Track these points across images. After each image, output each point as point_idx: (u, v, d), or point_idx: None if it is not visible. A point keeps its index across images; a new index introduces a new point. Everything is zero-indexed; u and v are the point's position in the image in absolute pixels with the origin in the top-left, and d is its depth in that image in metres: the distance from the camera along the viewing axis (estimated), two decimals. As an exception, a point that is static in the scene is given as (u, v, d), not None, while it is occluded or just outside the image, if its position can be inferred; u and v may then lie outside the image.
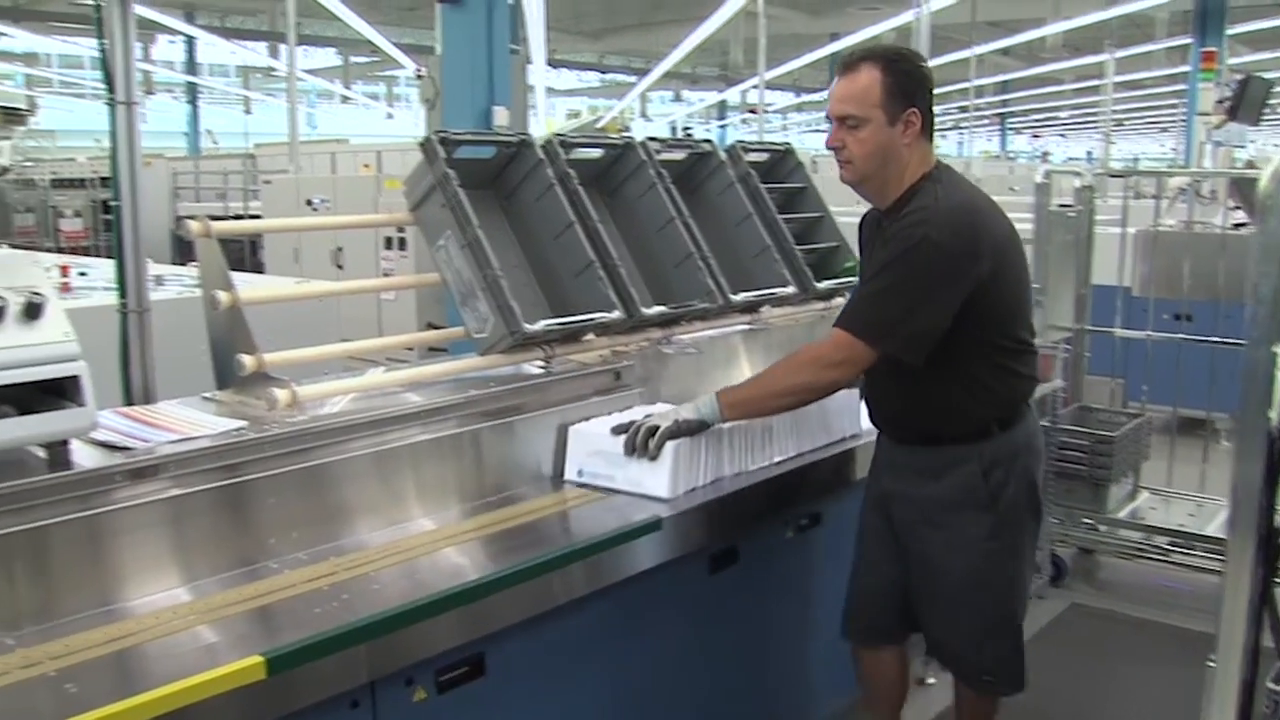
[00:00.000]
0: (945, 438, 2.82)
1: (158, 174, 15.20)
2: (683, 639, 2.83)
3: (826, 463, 3.17)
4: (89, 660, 1.85)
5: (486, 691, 2.27)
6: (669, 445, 2.69)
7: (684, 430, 2.72)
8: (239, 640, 1.94)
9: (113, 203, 2.92)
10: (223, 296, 2.57)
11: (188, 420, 2.45)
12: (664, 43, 21.24)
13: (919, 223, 2.63)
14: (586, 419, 2.93)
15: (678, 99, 38.78)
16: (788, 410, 2.93)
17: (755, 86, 18.58)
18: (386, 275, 7.97)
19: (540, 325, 2.83)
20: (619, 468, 2.75)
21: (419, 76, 7.54)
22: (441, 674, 2.17)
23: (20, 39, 24.65)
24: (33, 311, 2.08)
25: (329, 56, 30.19)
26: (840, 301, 3.76)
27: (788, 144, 4.22)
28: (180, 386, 2.94)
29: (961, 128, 36.77)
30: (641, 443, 2.70)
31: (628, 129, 25.45)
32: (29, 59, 31.17)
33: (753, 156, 3.89)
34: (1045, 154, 37.40)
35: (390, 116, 31.92)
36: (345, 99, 31.62)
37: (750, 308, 3.59)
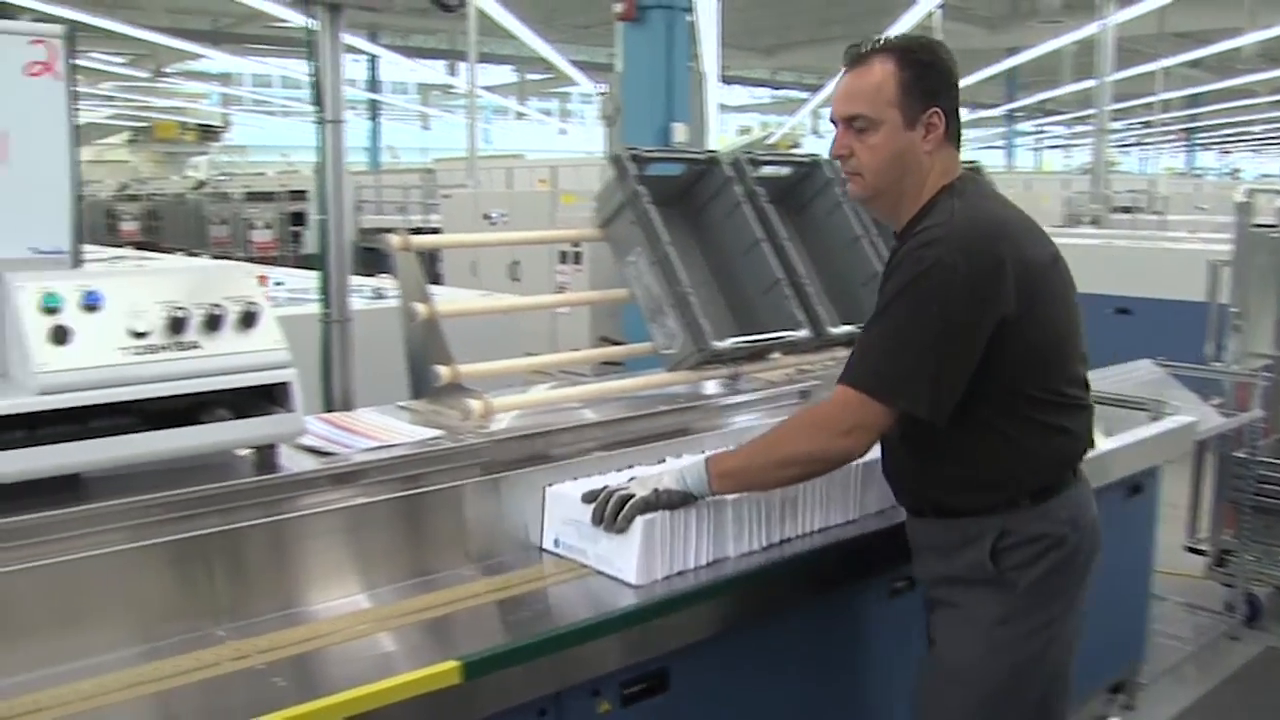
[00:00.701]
0: (960, 509, 2.30)
1: (342, 187, 15.73)
2: (865, 662, 2.79)
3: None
4: (291, 656, 1.92)
5: (669, 706, 2.27)
6: (639, 521, 2.22)
7: (663, 503, 2.25)
8: (436, 643, 2.00)
9: (317, 216, 3.04)
10: (420, 308, 2.65)
11: (386, 428, 2.53)
12: (837, 58, 21.02)
13: (928, 243, 2.16)
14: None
15: (848, 115, 38.37)
16: (790, 484, 2.42)
17: (930, 102, 18.27)
18: (561, 289, 8.10)
19: (728, 343, 2.83)
20: (590, 541, 2.31)
21: (600, 94, 7.66)
22: (626, 687, 2.18)
23: (217, 60, 25.96)
24: (248, 320, 2.17)
25: (504, 73, 30.92)
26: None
27: (975, 162, 4.12)
28: (369, 395, 3.05)
29: (1145, 144, 35.53)
30: (610, 514, 2.25)
31: (798, 145, 25.40)
32: (223, 78, 32.84)
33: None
34: (1235, 171, 35.85)
35: (563, 132, 32.48)
36: (520, 115, 32.32)
37: (936, 327, 3.52)
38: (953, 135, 2.29)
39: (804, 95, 29.73)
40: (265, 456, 2.27)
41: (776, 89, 34.34)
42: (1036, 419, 2.25)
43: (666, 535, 2.26)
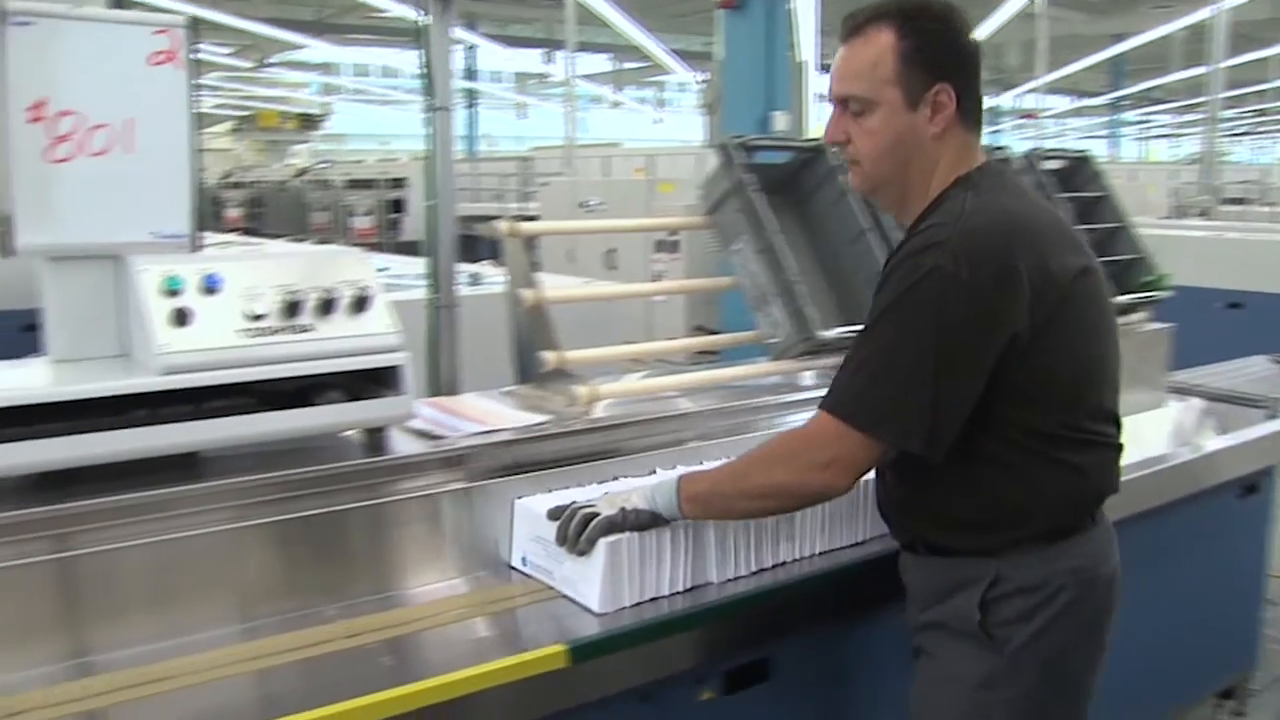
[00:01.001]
0: (954, 548, 2.02)
1: (439, 175, 15.92)
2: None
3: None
4: (395, 637, 1.95)
5: (770, 694, 2.26)
6: (601, 543, 2.01)
7: (629, 523, 2.03)
8: (540, 628, 2.01)
9: (426, 202, 3.08)
10: (527, 294, 2.66)
11: (492, 412, 2.55)
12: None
13: (928, 246, 1.84)
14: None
15: (947, 103, 37.87)
16: (762, 516, 2.17)
17: (1032, 90, 17.99)
18: (658, 277, 8.10)
19: (834, 332, 2.81)
20: (556, 562, 2.12)
21: (700, 82, 7.65)
22: (728, 675, 2.18)
23: (318, 50, 26.40)
24: (361, 304, 2.20)
25: (600, 62, 31.01)
26: (1138, 318, 3.57)
27: (1085, 152, 4.05)
28: (469, 380, 3.08)
29: (1258, 133, 34.48)
30: (573, 534, 2.05)
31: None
32: (323, 68, 33.41)
33: (1048, 164, 3.77)
34: (1352, 162, 34.60)
35: (659, 121, 32.43)
36: (615, 104, 32.40)
37: (1043, 319, 3.46)
38: (968, 116, 1.97)
39: (902, 84, 29.34)
40: (375, 438, 2.30)
41: (873, 77, 33.97)
42: (1048, 455, 1.94)
43: (635, 559, 2.05)
